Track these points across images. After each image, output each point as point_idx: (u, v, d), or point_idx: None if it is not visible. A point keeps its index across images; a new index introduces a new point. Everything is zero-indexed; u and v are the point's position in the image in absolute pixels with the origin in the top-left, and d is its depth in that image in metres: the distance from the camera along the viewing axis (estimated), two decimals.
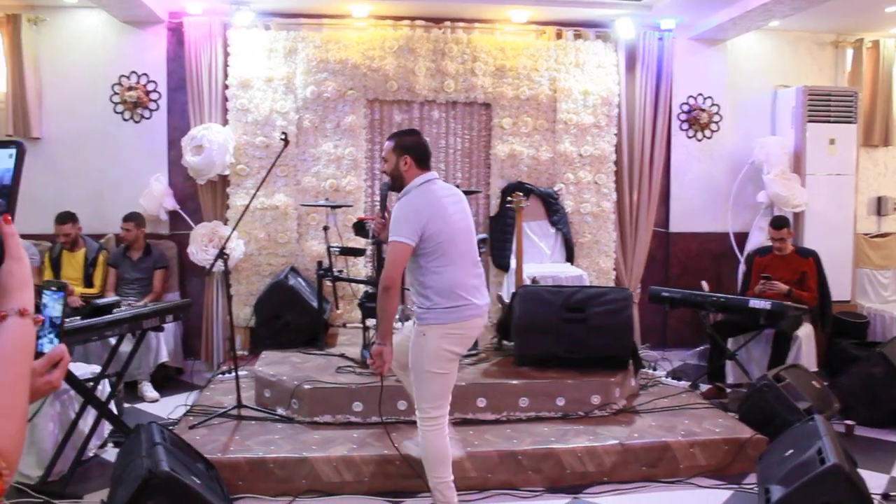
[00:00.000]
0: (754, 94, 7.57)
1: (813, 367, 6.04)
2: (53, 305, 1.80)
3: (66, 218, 6.22)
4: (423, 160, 3.73)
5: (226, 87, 6.72)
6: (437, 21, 6.92)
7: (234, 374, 5.00)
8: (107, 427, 4.78)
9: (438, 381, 3.61)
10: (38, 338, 1.77)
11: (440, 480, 3.64)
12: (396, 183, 3.76)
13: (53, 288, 1.79)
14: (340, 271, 6.02)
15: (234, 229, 5.40)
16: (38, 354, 1.76)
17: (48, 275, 6.25)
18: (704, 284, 6.61)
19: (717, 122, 7.45)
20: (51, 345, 1.78)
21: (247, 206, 5.52)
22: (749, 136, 7.43)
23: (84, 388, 4.31)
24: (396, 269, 3.58)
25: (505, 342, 5.79)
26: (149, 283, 6.49)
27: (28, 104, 6.63)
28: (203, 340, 6.80)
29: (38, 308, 1.70)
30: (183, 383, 6.40)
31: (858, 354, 6.10)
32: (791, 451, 3.90)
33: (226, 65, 6.73)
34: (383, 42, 6.80)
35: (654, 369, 6.19)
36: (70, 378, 4.19)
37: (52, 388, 1.73)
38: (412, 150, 3.71)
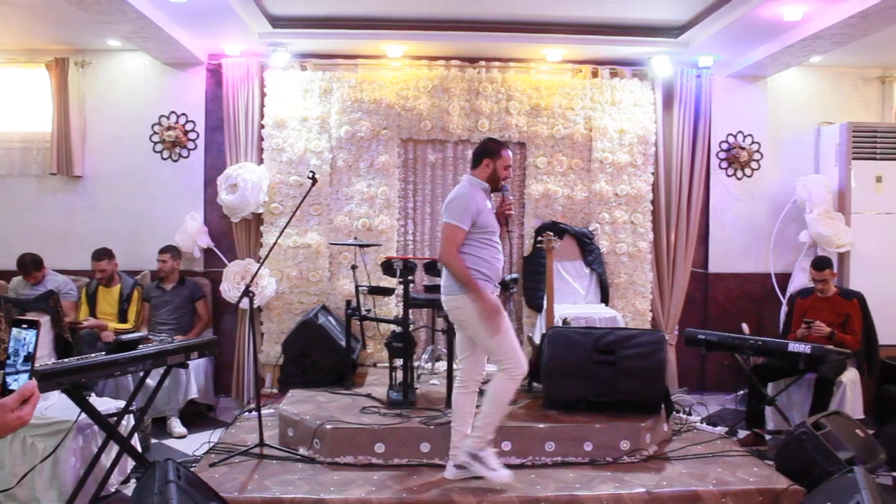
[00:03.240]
0: (797, 131, 7.40)
1: (858, 415, 5.79)
2: (25, 342, 1.79)
3: (103, 254, 6.34)
4: None
5: (262, 126, 6.82)
6: (471, 60, 6.94)
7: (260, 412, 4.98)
8: (130, 462, 4.78)
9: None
10: (7, 374, 1.76)
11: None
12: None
13: (25, 325, 1.79)
14: (369, 310, 5.99)
15: (261, 265, 5.40)
16: (7, 391, 1.75)
17: (84, 310, 6.37)
18: (745, 327, 6.41)
19: (757, 161, 7.29)
20: (20, 381, 1.77)
21: (274, 243, 5.55)
22: (791, 175, 7.26)
23: (106, 423, 4.31)
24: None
25: (535, 384, 5.67)
26: (183, 316, 6.57)
27: (72, 143, 6.84)
28: (234, 377, 6.82)
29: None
30: (212, 420, 6.41)
31: None
32: None
33: (262, 105, 6.84)
34: (418, 82, 6.83)
35: (689, 414, 6.00)
36: (93, 412, 4.21)
37: (21, 422, 1.72)
38: None
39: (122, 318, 6.40)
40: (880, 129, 7.05)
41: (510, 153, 4.48)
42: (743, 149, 7.25)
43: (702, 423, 5.79)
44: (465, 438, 4.37)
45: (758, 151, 7.29)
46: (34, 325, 1.79)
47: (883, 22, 5.53)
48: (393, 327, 5.70)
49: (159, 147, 6.97)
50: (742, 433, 5.77)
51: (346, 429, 4.74)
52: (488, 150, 4.42)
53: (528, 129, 6.90)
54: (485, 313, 4.18)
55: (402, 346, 5.25)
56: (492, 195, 4.47)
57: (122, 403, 4.81)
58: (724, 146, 7.28)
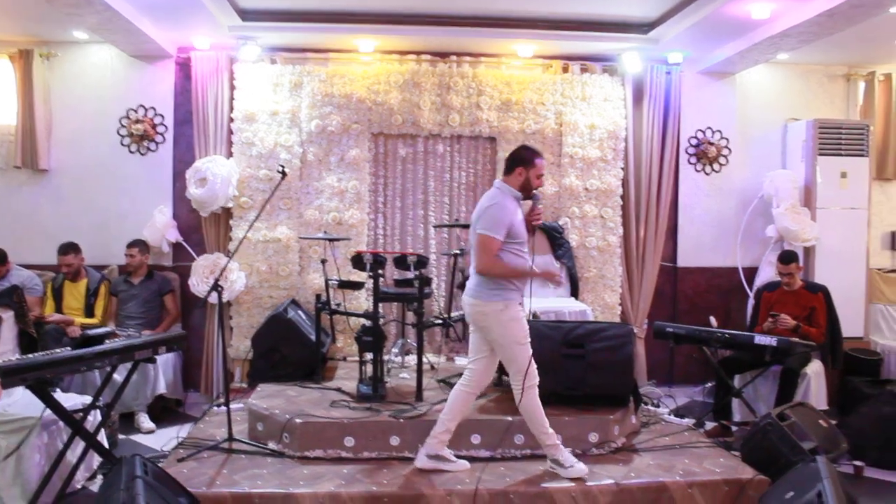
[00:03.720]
0: (764, 127, 7.49)
1: (823, 406, 5.89)
2: None
3: (69, 248, 6.26)
4: None
5: (231, 120, 6.76)
6: (442, 55, 6.94)
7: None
8: (97, 458, 4.73)
9: None
10: None
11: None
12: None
13: None
14: (339, 305, 5.98)
15: (230, 260, 5.38)
16: None
17: (50, 305, 6.29)
18: (713, 320, 6.47)
19: (725, 156, 7.37)
20: None
21: (243, 237, 5.52)
22: (759, 170, 7.34)
23: (72, 419, 4.27)
24: None
25: (504, 377, 5.68)
26: (151, 311, 6.52)
27: (37, 136, 6.73)
28: (203, 372, 6.78)
29: None
30: (181, 415, 6.36)
31: (871, 392, 5.96)
32: (791, 494, 3.78)
33: (232, 98, 6.78)
34: (388, 76, 6.82)
35: (658, 406, 6.06)
36: (58, 408, 4.16)
37: None
38: None
39: (89, 312, 6.33)
40: (845, 125, 7.16)
41: (544, 161, 4.44)
42: (712, 144, 7.32)
43: (670, 415, 5.85)
44: (444, 434, 4.44)
45: (726, 147, 7.36)
46: None
47: (848, 21, 5.61)
48: (363, 321, 5.70)
49: (127, 140, 6.89)
50: (709, 425, 5.84)
51: (315, 423, 4.73)
52: (522, 159, 4.37)
53: (498, 123, 6.91)
54: (546, 277, 4.41)
55: (371, 340, 5.25)
56: (521, 202, 4.39)
57: (88, 399, 4.77)
58: (693, 142, 7.35)
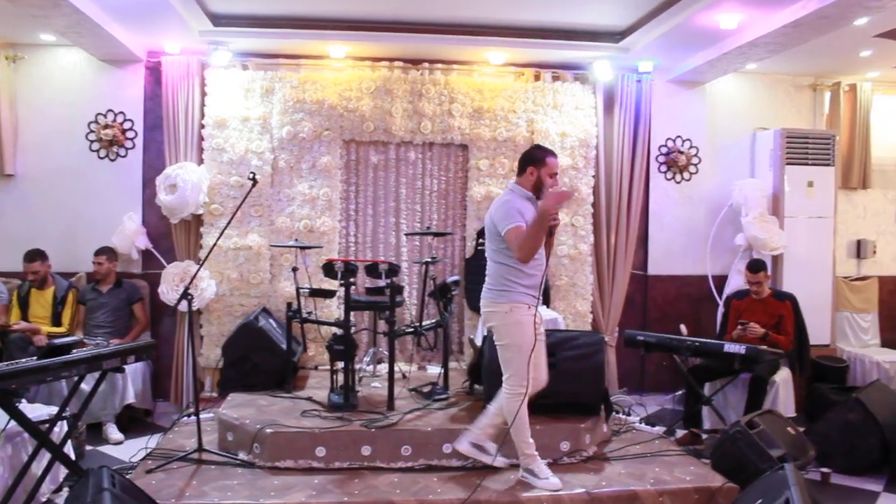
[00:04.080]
0: (733, 136, 7.58)
1: (791, 413, 5.97)
2: None
3: (35, 255, 6.18)
4: None
5: (202, 126, 6.70)
6: (414, 62, 6.93)
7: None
8: (63, 470, 4.66)
9: None
10: None
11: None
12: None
13: None
14: (310, 313, 5.94)
15: (200, 267, 5.33)
16: None
17: (16, 313, 6.19)
18: (683, 328, 6.54)
19: (695, 165, 7.44)
20: None
21: (214, 244, 5.49)
22: (728, 179, 7.42)
23: (37, 430, 4.19)
24: None
25: (476, 386, 5.70)
26: (120, 320, 6.44)
27: (3, 141, 6.63)
28: (173, 381, 6.70)
29: None
30: (150, 425, 6.28)
31: (837, 399, 6.02)
32: (760, 501, 3.81)
33: (202, 104, 6.73)
34: (360, 83, 6.80)
35: (629, 414, 6.09)
36: (22, 419, 4.09)
37: None
38: None
39: (56, 321, 6.24)
40: (812, 135, 7.27)
41: (556, 160, 4.43)
42: (682, 153, 7.39)
43: (641, 423, 5.89)
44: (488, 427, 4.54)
45: (696, 156, 7.44)
46: None
47: (814, 31, 5.70)
48: (334, 330, 5.67)
49: (96, 146, 6.80)
50: (680, 433, 5.89)
51: (286, 433, 4.70)
52: (533, 158, 4.40)
53: (470, 131, 6.92)
54: (558, 202, 4.22)
55: (343, 348, 5.22)
56: (537, 203, 4.27)
57: (54, 409, 4.68)
58: (664, 150, 7.41)
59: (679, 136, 7.42)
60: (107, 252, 6.43)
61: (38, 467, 4.33)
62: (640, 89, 7.20)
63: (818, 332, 6.86)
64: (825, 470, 5.21)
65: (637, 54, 6.76)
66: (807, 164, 7.18)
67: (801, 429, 5.28)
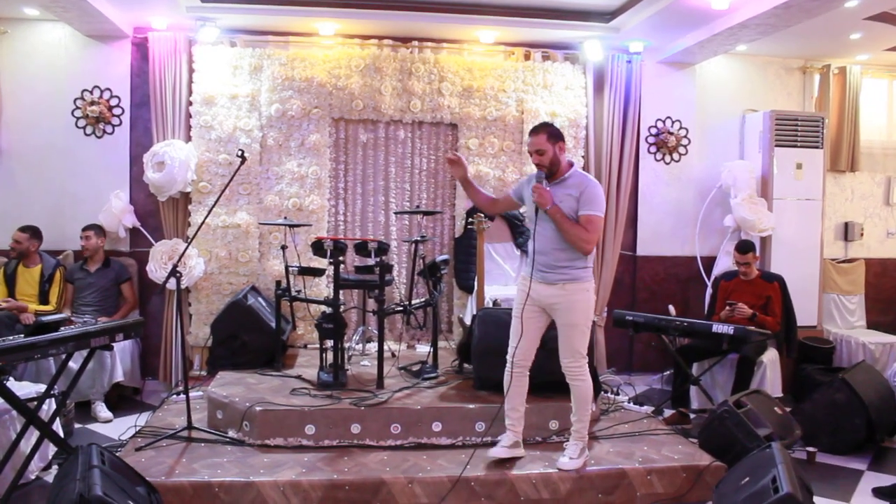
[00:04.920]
0: (723, 118, 7.59)
1: (778, 393, 6.02)
2: None
3: (27, 229, 6.20)
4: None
5: (190, 103, 6.64)
6: (404, 40, 6.89)
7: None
8: (52, 448, 4.65)
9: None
10: None
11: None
12: (554, 168, 4.32)
13: None
14: (299, 291, 5.93)
15: (188, 245, 5.31)
16: None
17: (2, 291, 6.15)
18: (671, 308, 6.56)
19: (685, 146, 7.44)
20: None
21: (202, 222, 5.45)
22: (717, 160, 7.43)
23: (25, 408, 4.18)
24: (598, 238, 4.41)
25: (465, 365, 5.71)
26: (109, 297, 6.40)
27: None
28: (161, 359, 6.68)
29: None
30: (139, 403, 6.26)
31: (823, 380, 6.07)
32: (747, 479, 3.84)
33: (190, 81, 6.66)
34: (350, 61, 6.75)
35: (617, 394, 6.12)
36: (10, 397, 4.07)
37: None
38: (562, 136, 4.38)
39: (44, 299, 6.20)
40: (801, 117, 7.29)
41: (532, 137, 4.37)
42: (671, 134, 7.38)
43: (629, 402, 5.92)
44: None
45: (685, 137, 7.44)
46: None
47: (804, 13, 5.70)
48: (323, 308, 5.66)
49: (82, 122, 6.72)
50: (668, 412, 5.93)
51: (275, 411, 4.69)
52: None
53: (460, 110, 6.89)
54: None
55: (332, 327, 5.20)
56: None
57: (42, 387, 4.66)
58: (653, 131, 7.41)
59: (669, 118, 7.41)
60: (94, 228, 6.37)
61: (26, 445, 4.32)
62: (630, 70, 7.18)
63: (805, 314, 6.90)
64: (811, 449, 5.25)
65: (627, 34, 6.74)
66: (796, 147, 7.20)
67: (788, 409, 5.34)
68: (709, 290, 6.91)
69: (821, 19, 5.90)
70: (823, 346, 7.00)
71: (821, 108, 7.65)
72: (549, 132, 4.31)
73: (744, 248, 6.19)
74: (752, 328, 5.62)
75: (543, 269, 4.32)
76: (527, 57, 7.07)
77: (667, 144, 7.38)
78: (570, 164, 4.39)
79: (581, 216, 4.23)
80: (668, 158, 7.45)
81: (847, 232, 7.84)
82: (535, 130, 4.36)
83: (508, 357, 4.47)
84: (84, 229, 6.34)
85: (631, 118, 7.19)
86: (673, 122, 7.42)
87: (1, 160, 6.68)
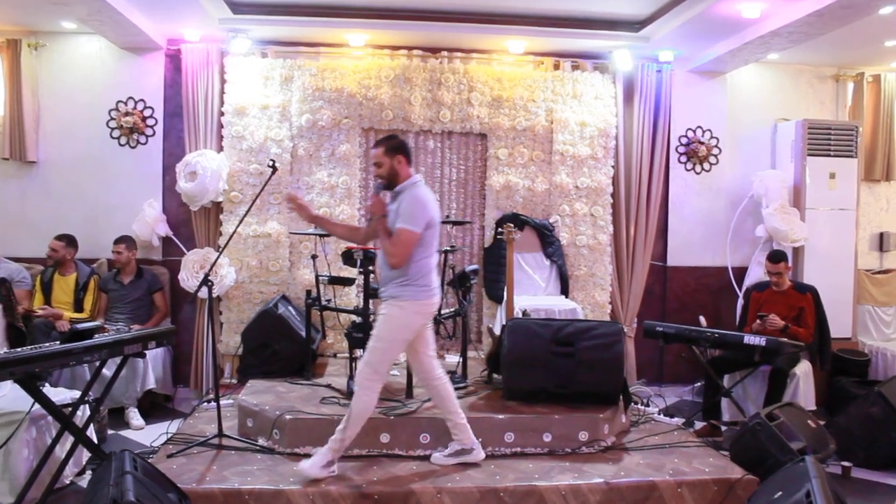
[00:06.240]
0: (754, 127, 7.53)
1: (811, 406, 5.92)
2: None
3: (63, 237, 6.29)
4: (410, 158, 4.40)
5: (221, 113, 6.72)
6: (433, 51, 6.92)
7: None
8: (86, 454, 4.71)
9: (396, 349, 4.34)
10: None
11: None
12: (392, 181, 4.29)
13: None
14: (329, 300, 5.96)
15: (220, 254, 5.36)
16: None
17: (39, 298, 6.25)
18: (702, 319, 6.50)
19: (715, 156, 7.39)
20: None
21: (234, 232, 5.50)
22: (748, 170, 7.37)
23: (60, 414, 4.24)
24: (407, 253, 4.18)
25: (495, 375, 5.69)
26: (142, 307, 6.48)
27: (25, 128, 6.67)
28: (193, 367, 6.75)
29: None
30: (171, 410, 6.33)
31: (858, 393, 5.98)
32: (780, 494, 3.78)
33: (222, 92, 6.75)
34: (379, 71, 6.79)
35: (647, 405, 6.07)
36: (46, 403, 4.13)
37: None
38: (402, 150, 4.33)
39: (78, 307, 6.30)
40: (834, 126, 7.20)
41: (374, 150, 4.36)
42: (702, 143, 7.34)
43: (659, 414, 5.86)
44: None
45: (716, 146, 7.39)
46: None
47: (838, 21, 5.64)
48: (353, 317, 5.68)
49: (117, 133, 6.84)
50: (699, 424, 5.87)
51: (305, 419, 4.71)
52: None
53: (489, 120, 6.91)
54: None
55: (362, 336, 5.20)
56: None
57: (77, 394, 4.74)
58: (684, 140, 7.37)
59: (699, 127, 7.37)
60: (126, 241, 6.46)
61: (61, 450, 4.38)
62: (660, 79, 7.16)
63: (839, 325, 6.82)
64: (846, 464, 5.18)
65: (657, 44, 6.72)
66: (829, 156, 7.12)
67: (822, 422, 5.25)
68: (740, 301, 6.84)
69: (854, 26, 5.83)
70: (858, 359, 6.89)
71: (855, 117, 7.56)
72: (388, 146, 4.27)
73: (776, 257, 6.12)
74: (785, 340, 5.54)
75: (380, 286, 4.39)
76: (556, 67, 7.08)
77: (697, 154, 7.33)
78: (409, 177, 4.31)
79: (396, 229, 4.20)
80: (698, 168, 7.40)
81: (882, 242, 7.73)
82: (376, 144, 4.36)
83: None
84: (115, 242, 6.42)
85: (661, 127, 7.16)
86: (703, 132, 7.37)
87: (38, 170, 6.81)
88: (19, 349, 4.02)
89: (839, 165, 7.14)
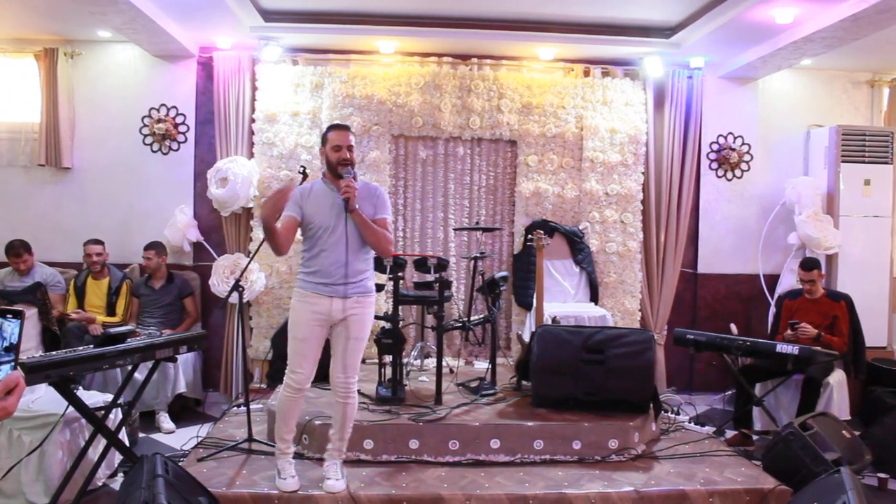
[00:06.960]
0: (787, 133, 7.44)
1: (845, 416, 5.82)
2: (8, 332, 1.77)
3: (98, 242, 6.38)
4: None
5: (252, 120, 6.78)
6: (463, 58, 6.93)
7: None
8: (118, 456, 4.75)
9: None
10: None
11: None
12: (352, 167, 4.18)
13: (10, 315, 1.77)
14: None
15: (250, 260, 5.40)
16: None
17: (72, 302, 6.33)
18: (733, 327, 6.42)
19: (747, 162, 7.32)
20: (2, 372, 1.75)
21: (263, 238, 5.51)
22: (781, 177, 7.29)
23: (94, 417, 4.29)
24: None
25: (524, 382, 5.68)
26: (173, 311, 6.54)
27: (61, 134, 6.77)
28: (223, 372, 6.80)
29: None
30: (201, 415, 6.37)
31: (894, 403, 5.87)
32: None
33: (253, 99, 6.81)
34: (409, 78, 6.82)
35: (678, 413, 6.02)
36: (80, 406, 4.18)
37: (6, 413, 1.70)
38: None
39: (111, 311, 6.37)
40: (869, 132, 7.10)
41: (342, 132, 4.19)
42: (733, 150, 7.27)
43: (690, 422, 5.81)
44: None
45: (748, 153, 7.32)
46: (18, 315, 1.78)
47: (873, 26, 5.56)
48: (382, 323, 5.69)
49: (149, 140, 6.92)
50: (730, 433, 5.80)
51: None
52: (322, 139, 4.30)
53: (519, 127, 6.90)
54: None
55: (391, 342, 5.24)
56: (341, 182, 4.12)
57: (109, 397, 4.80)
58: (715, 147, 7.31)
59: (731, 133, 7.31)
60: (156, 247, 6.53)
61: (94, 453, 4.43)
62: (690, 85, 7.11)
63: (875, 334, 6.71)
64: (882, 475, 5.07)
65: (688, 50, 6.67)
66: (864, 162, 7.02)
67: (857, 432, 5.17)
68: (772, 309, 6.76)
69: (889, 31, 5.75)
70: (894, 368, 6.76)
71: (890, 123, 7.45)
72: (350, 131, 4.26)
73: (808, 265, 6.04)
74: (818, 348, 5.46)
75: (339, 283, 4.15)
76: (586, 73, 7.06)
77: (728, 160, 7.27)
78: None
79: (378, 220, 4.15)
80: (729, 175, 7.33)
81: None
82: (344, 127, 4.26)
83: (294, 381, 4.22)
84: (145, 248, 6.50)
85: (692, 134, 7.11)
86: (735, 138, 7.30)
87: (73, 176, 6.91)
88: (54, 352, 4.08)
89: (874, 172, 7.04)
